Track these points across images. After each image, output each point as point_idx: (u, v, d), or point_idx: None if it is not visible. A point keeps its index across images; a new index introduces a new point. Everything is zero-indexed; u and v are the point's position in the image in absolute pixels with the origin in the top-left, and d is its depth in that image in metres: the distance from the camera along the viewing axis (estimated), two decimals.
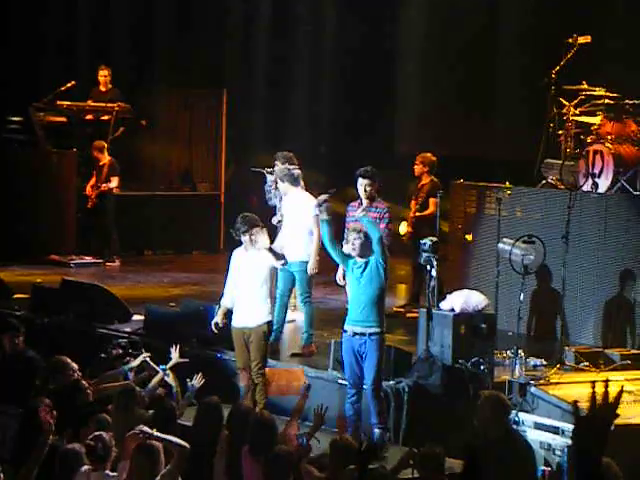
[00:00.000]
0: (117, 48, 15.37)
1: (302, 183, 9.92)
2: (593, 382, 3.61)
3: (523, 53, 13.43)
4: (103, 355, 9.16)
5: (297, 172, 9.92)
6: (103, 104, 14.47)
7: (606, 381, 3.62)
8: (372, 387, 8.29)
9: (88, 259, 13.61)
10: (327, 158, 15.65)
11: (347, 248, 8.37)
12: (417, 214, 11.13)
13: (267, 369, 8.69)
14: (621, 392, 3.62)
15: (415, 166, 11.32)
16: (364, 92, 15.25)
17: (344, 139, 15.54)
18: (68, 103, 14.40)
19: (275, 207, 10.35)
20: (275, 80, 15.57)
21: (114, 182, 13.77)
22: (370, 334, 8.28)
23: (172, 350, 8.54)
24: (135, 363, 8.66)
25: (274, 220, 10.16)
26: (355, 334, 8.30)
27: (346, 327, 8.39)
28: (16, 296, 11.49)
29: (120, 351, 9.15)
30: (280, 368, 8.94)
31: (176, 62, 15.56)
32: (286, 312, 9.96)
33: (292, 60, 15.62)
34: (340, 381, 8.89)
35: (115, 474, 6.66)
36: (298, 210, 9.79)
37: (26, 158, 14.06)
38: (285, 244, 9.40)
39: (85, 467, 6.76)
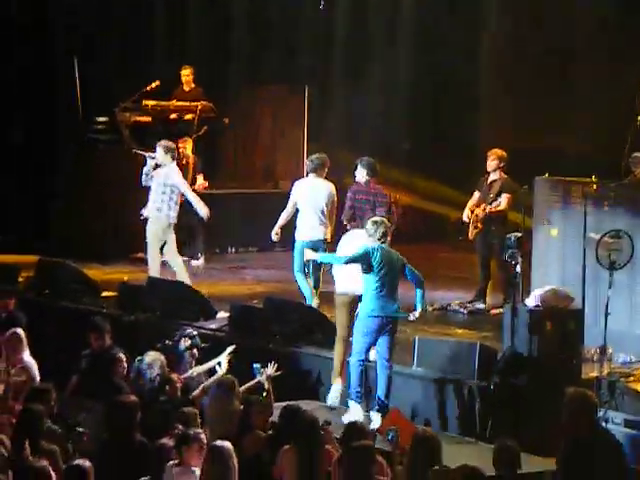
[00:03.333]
0: (199, 47, 15.51)
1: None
2: None
3: (608, 43, 13.26)
4: (167, 342, 9.24)
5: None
6: (187, 103, 14.62)
7: None
8: None
9: None
10: (408, 154, 15.63)
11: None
12: (491, 210, 11.03)
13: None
14: None
15: (490, 161, 11.20)
16: (444, 87, 15.20)
17: (424, 135, 15.50)
18: (153, 103, 14.58)
19: (149, 188, 11.43)
20: (355, 76, 15.57)
21: (200, 179, 13.93)
22: None
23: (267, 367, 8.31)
24: (223, 356, 8.75)
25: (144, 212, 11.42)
26: None
27: None
28: (104, 294, 11.67)
29: (189, 342, 9.21)
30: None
31: (257, 60, 15.64)
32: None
33: (371, 56, 15.60)
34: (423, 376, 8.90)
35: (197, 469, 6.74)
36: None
37: (112, 158, 14.27)
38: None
39: (170, 462, 6.86)
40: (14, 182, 15.32)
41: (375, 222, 8.76)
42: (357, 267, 8.73)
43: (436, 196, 15.33)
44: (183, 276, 11.40)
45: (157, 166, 11.62)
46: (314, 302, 10.43)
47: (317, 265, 10.34)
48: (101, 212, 14.02)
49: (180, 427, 7.24)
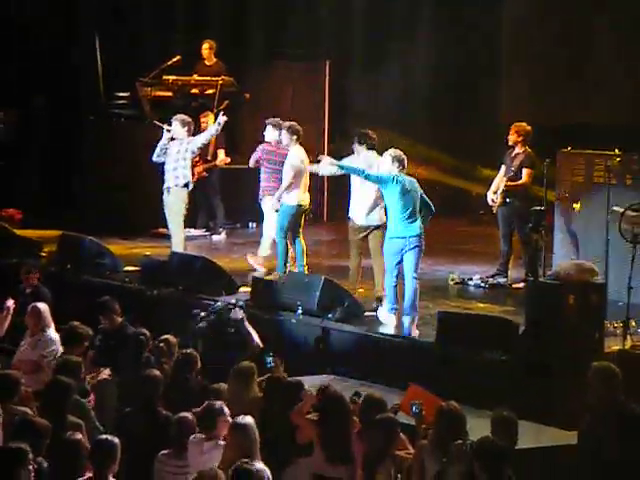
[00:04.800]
0: (219, 21, 15.48)
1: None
2: None
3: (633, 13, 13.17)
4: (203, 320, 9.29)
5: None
6: (208, 78, 14.60)
7: None
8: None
9: (194, 232, 13.77)
10: (430, 129, 15.55)
11: None
12: (509, 184, 10.97)
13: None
14: None
15: (509, 135, 11.15)
16: (465, 63, 15.11)
17: (445, 110, 15.42)
18: (174, 78, 14.56)
19: (163, 164, 11.54)
20: (376, 51, 15.50)
21: (221, 154, 13.94)
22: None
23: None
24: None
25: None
26: None
27: None
28: (126, 269, 11.71)
29: (242, 311, 9.25)
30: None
31: (279, 34, 15.59)
32: None
33: (393, 31, 15.51)
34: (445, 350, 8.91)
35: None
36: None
37: (133, 133, 14.28)
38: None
39: (198, 436, 6.88)
40: (35, 158, 15.38)
41: (394, 156, 9.56)
42: (370, 200, 10.12)
43: (457, 170, 15.29)
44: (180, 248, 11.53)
45: (172, 140, 11.65)
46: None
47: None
48: (122, 187, 14.03)
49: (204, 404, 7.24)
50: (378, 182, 9.74)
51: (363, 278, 10.57)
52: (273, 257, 11.47)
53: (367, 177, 9.74)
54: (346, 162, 10.32)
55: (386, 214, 9.97)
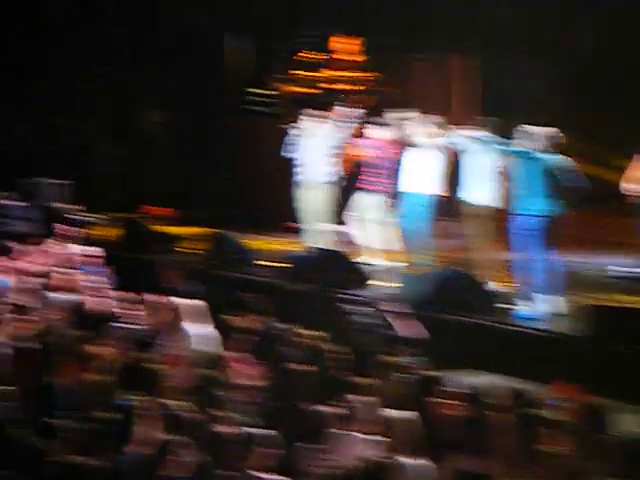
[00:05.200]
0: (362, 17, 15.44)
1: None
2: None
3: None
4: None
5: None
6: (349, 74, 14.58)
7: None
8: None
9: (334, 227, 13.70)
10: (580, 121, 15.12)
11: None
12: None
13: None
14: None
15: None
16: (624, 49, 14.64)
17: (598, 99, 14.97)
18: (313, 74, 14.60)
19: (296, 159, 11.58)
20: (527, 41, 15.15)
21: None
22: None
23: None
24: None
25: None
26: None
27: None
28: (265, 264, 11.78)
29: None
30: None
31: (421, 29, 15.41)
32: None
33: (546, 16, 15.10)
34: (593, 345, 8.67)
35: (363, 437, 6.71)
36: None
37: (269, 129, 14.36)
38: None
39: (340, 430, 6.84)
40: (173, 154, 15.64)
41: (536, 132, 9.44)
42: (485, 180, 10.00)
43: (610, 163, 14.86)
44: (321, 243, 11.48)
45: (308, 135, 11.65)
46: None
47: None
48: (258, 183, 14.17)
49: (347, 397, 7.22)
50: (514, 155, 9.56)
51: (499, 267, 10.34)
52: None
53: (502, 151, 9.56)
54: None
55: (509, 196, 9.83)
